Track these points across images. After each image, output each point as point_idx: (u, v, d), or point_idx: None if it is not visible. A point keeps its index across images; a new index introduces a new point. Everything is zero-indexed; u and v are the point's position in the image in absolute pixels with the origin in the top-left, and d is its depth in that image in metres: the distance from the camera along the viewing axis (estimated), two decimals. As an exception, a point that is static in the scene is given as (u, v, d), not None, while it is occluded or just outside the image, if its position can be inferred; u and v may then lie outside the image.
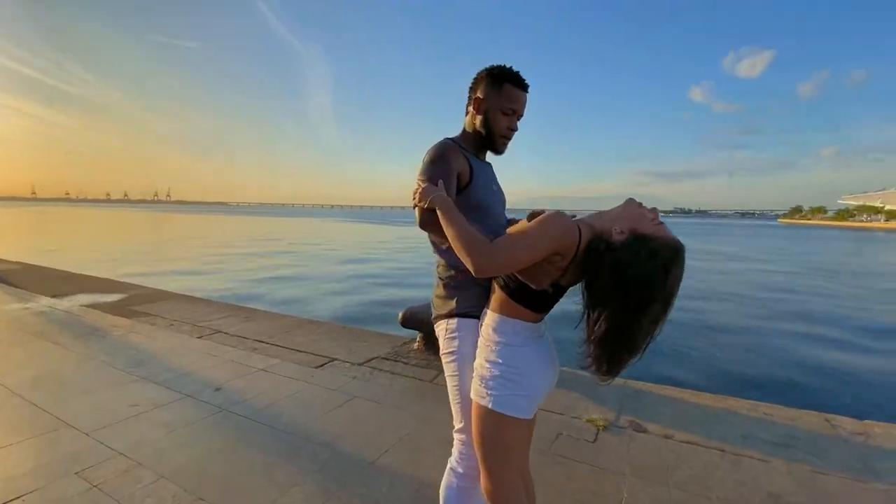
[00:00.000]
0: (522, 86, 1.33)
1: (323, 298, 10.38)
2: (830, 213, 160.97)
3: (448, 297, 1.35)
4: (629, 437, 2.42)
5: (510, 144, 1.42)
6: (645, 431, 2.49)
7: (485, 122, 1.35)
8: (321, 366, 3.39)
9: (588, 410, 2.71)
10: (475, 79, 1.36)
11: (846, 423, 2.64)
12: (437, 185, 1.24)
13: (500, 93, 1.31)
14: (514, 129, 1.38)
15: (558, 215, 1.06)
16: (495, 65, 1.33)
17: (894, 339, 7.99)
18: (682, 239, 1.02)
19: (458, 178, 1.30)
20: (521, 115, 1.37)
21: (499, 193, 1.47)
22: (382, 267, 15.88)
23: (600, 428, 2.50)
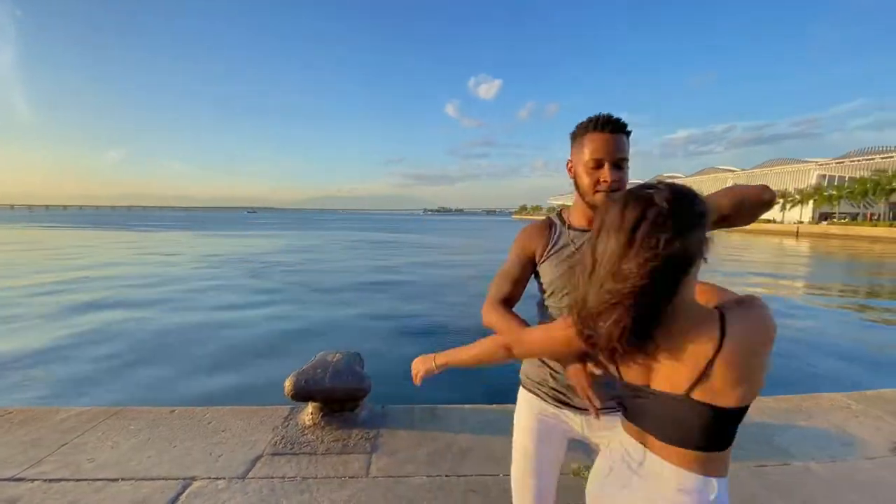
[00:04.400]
0: (605, 127, 1.14)
1: (101, 364, 6.43)
2: (544, 210, 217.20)
3: None
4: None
5: None
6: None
7: (576, 184, 1.23)
8: (174, 501, 2.09)
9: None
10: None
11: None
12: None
13: (582, 147, 1.17)
14: (609, 181, 1.14)
15: None
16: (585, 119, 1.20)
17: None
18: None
19: (532, 258, 1.30)
20: (618, 160, 1.15)
21: None
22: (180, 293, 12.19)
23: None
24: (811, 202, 72.70)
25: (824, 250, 33.24)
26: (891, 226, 49.84)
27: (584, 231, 1.27)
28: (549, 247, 1.27)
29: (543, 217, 1.37)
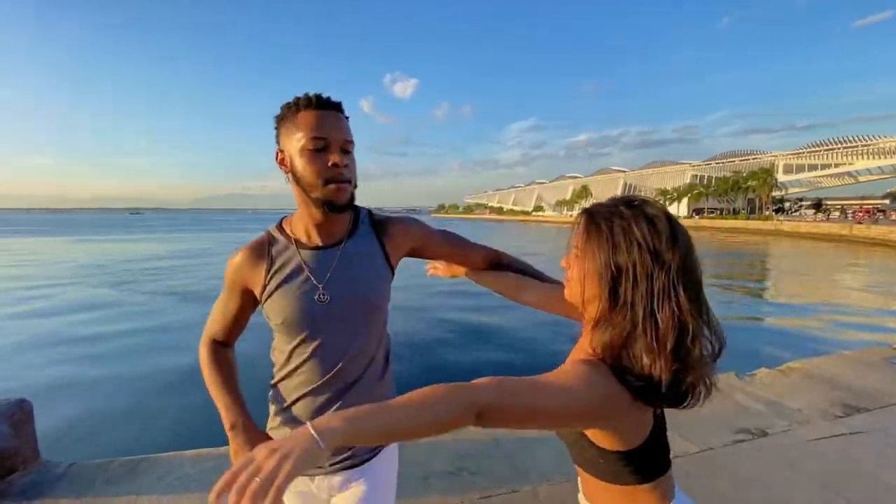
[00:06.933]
0: (322, 105, 0.94)
1: None
2: (461, 209, 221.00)
3: None
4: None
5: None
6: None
7: (295, 178, 0.97)
8: None
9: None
10: (276, 133, 1.00)
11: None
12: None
13: (297, 129, 0.93)
14: (341, 165, 0.94)
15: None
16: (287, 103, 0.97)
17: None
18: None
19: (250, 293, 1.03)
20: (345, 143, 0.95)
21: (345, 297, 1.01)
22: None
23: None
24: (685, 199, 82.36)
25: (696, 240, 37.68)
26: (746, 219, 58.72)
27: (318, 249, 1.02)
28: (270, 276, 1.00)
29: (259, 240, 1.05)
